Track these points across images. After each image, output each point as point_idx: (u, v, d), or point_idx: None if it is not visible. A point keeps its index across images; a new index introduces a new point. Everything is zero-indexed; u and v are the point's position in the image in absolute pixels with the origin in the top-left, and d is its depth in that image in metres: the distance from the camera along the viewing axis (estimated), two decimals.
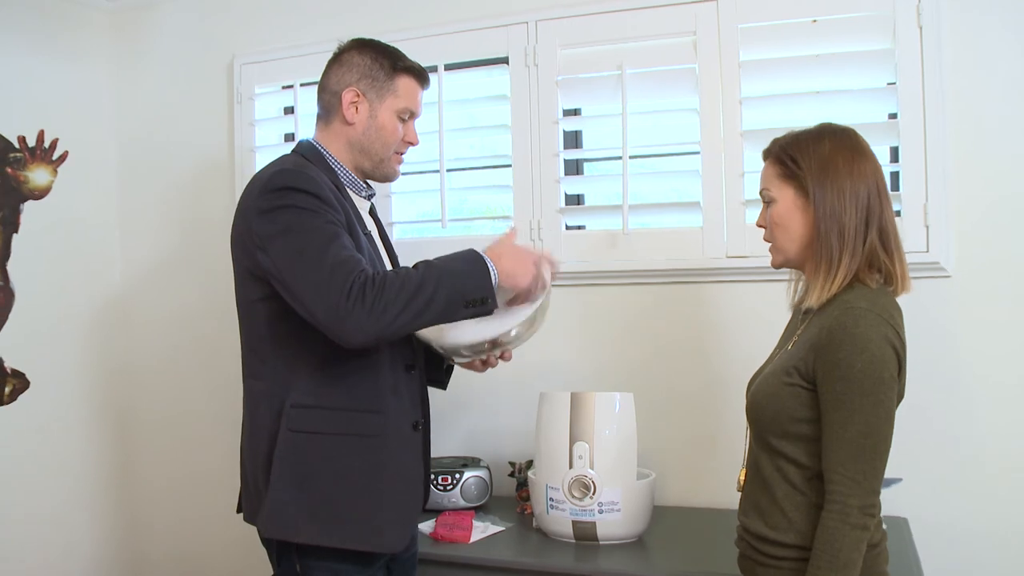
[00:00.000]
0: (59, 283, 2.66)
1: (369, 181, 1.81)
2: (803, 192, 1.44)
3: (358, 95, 1.70)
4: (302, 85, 2.53)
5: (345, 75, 1.72)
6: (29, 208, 2.58)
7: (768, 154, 1.51)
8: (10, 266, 2.51)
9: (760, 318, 2.13)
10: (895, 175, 2.06)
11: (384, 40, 2.41)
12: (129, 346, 2.84)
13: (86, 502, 2.73)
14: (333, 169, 1.71)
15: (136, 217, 2.84)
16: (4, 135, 2.51)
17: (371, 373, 1.61)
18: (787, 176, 1.46)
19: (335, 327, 1.46)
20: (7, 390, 2.50)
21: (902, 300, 1.97)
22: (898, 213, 2.02)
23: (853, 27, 2.03)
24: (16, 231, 2.54)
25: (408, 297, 1.47)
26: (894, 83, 2.02)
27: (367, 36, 2.51)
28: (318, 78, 2.51)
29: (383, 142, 1.73)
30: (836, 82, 2.07)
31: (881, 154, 2.10)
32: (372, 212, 1.86)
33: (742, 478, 1.56)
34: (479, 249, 1.59)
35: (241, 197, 1.64)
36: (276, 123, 2.69)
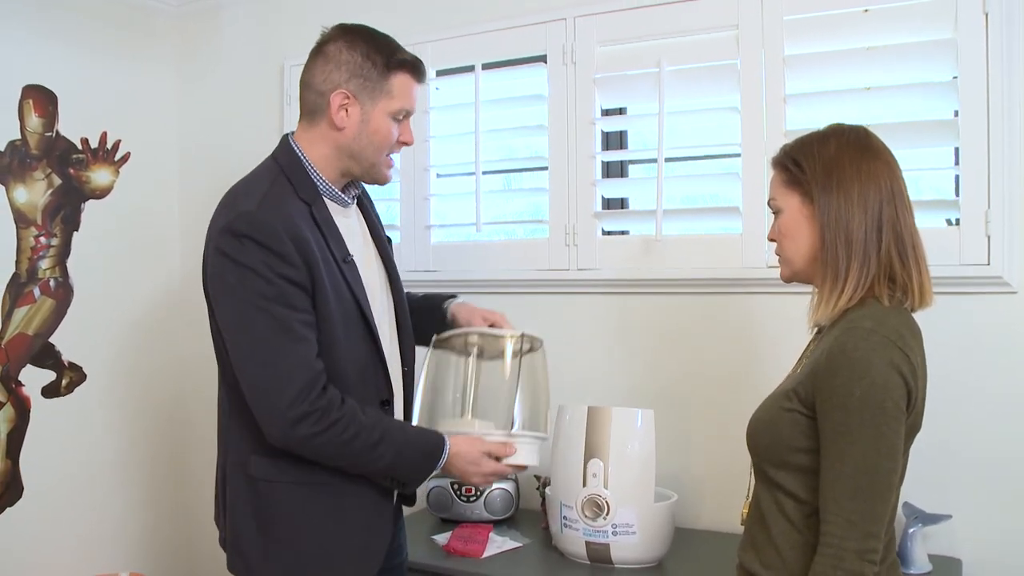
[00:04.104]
0: (118, 280, 2.74)
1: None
2: (808, 198, 1.31)
3: (348, 97, 1.55)
4: None
5: (333, 73, 1.55)
6: (91, 207, 2.67)
7: (775, 161, 1.39)
8: (70, 263, 2.61)
9: (801, 333, 1.96)
10: (955, 179, 1.86)
11: (423, 41, 2.41)
12: (186, 343, 2.89)
13: (140, 492, 2.81)
14: (312, 181, 1.58)
15: (196, 218, 2.86)
16: (67, 136, 2.61)
17: None
18: (792, 182, 1.34)
19: (276, 431, 1.47)
20: (64, 382, 2.59)
21: (957, 318, 1.82)
22: (956, 221, 1.83)
23: (909, 16, 1.84)
24: (77, 229, 2.63)
25: (357, 451, 1.50)
26: (956, 77, 1.82)
27: (400, 34, 2.48)
28: None
29: (375, 147, 1.59)
30: (889, 77, 1.88)
31: (942, 156, 1.92)
32: (362, 204, 1.74)
33: (745, 511, 1.43)
34: (445, 452, 1.59)
35: (214, 212, 1.57)
36: None
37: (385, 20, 2.48)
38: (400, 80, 1.60)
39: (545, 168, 2.28)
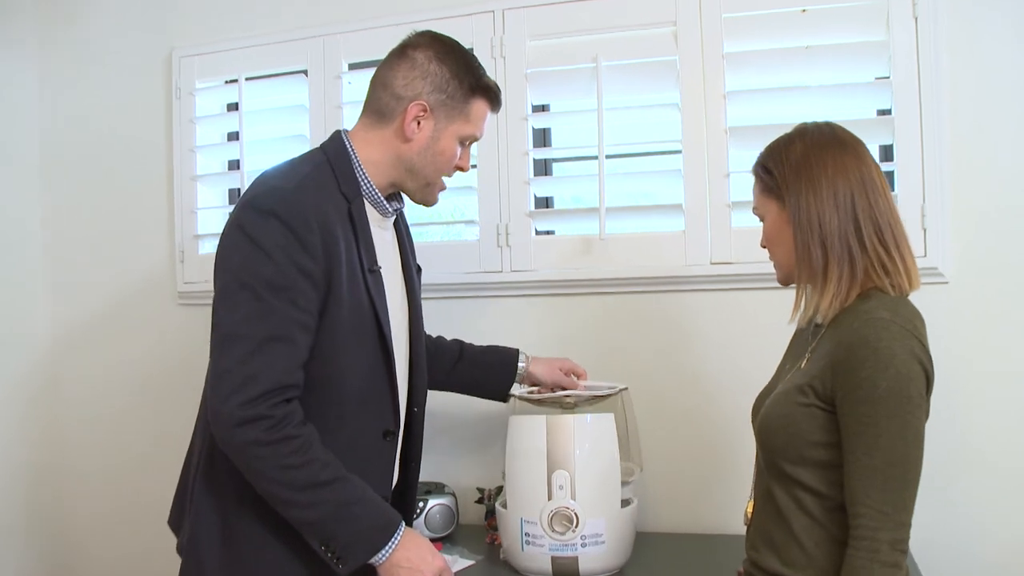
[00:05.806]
0: None
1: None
2: (783, 203, 1.30)
3: (425, 110, 1.48)
4: (247, 80, 2.33)
5: (416, 82, 1.48)
6: None
7: (753, 169, 1.39)
8: None
9: (747, 328, 1.99)
10: (889, 174, 1.93)
11: (336, 32, 2.26)
12: (54, 358, 2.58)
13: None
14: (356, 179, 1.50)
15: (63, 220, 2.58)
16: None
17: (329, 436, 1.40)
18: (767, 190, 1.35)
19: (221, 427, 1.32)
20: None
21: None
22: None
23: (845, 17, 1.90)
24: None
25: (298, 482, 1.33)
26: (887, 77, 1.89)
27: (309, 25, 2.32)
28: (264, 72, 2.35)
29: (436, 167, 1.54)
30: (826, 76, 1.94)
31: (878, 152, 1.99)
32: (398, 227, 1.68)
33: (750, 510, 1.40)
34: (401, 529, 1.42)
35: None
36: (218, 120, 2.47)
37: (296, 11, 2.33)
38: (479, 106, 1.55)
39: (474, 166, 2.18)
